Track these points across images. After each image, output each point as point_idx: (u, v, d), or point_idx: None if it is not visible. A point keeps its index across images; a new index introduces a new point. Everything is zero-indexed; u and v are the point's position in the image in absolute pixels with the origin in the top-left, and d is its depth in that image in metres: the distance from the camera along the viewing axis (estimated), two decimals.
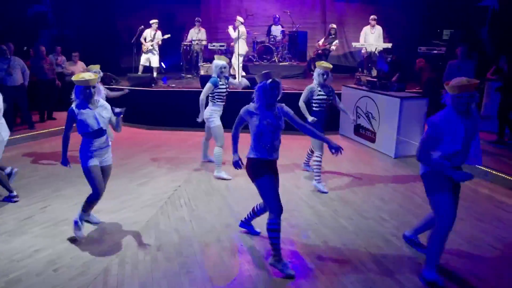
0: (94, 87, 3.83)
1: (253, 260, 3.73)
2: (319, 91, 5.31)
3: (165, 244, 3.97)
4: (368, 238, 4.13)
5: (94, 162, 3.99)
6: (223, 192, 5.32)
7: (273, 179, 3.56)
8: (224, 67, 5.64)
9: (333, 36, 11.15)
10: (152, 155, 6.92)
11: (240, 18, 10.22)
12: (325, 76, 5.30)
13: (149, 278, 3.43)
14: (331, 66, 5.41)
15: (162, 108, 9.05)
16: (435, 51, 10.43)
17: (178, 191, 5.34)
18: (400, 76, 8.23)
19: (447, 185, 3.26)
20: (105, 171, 4.16)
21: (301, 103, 5.35)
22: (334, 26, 11.26)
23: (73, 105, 3.87)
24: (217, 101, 5.72)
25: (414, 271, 3.54)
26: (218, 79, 5.63)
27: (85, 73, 3.91)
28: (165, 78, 10.10)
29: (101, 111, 3.95)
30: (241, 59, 10.20)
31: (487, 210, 4.83)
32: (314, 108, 5.36)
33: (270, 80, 3.41)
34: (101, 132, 3.95)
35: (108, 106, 4.04)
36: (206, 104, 5.81)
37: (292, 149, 7.05)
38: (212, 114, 5.74)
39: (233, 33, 10.16)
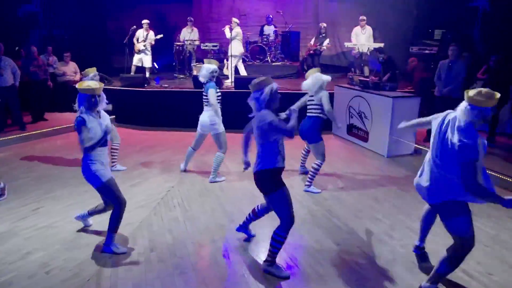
0: (99, 95, 3.71)
1: (247, 260, 3.73)
2: (311, 96, 5.30)
3: (158, 245, 3.96)
4: (362, 237, 4.15)
5: (107, 174, 3.77)
6: (217, 193, 5.31)
7: (287, 189, 3.48)
8: (216, 71, 5.51)
9: (324, 35, 11.15)
10: (145, 155, 6.90)
11: (236, 19, 10.20)
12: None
13: (142, 279, 3.42)
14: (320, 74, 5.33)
15: (155, 109, 9.02)
16: (426, 51, 10.50)
17: (171, 192, 5.33)
18: (391, 76, 8.26)
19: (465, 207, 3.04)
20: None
21: (328, 109, 5.19)
22: (325, 25, 11.25)
23: (81, 114, 3.65)
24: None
25: (408, 270, 3.56)
26: (215, 83, 5.51)
27: (90, 82, 3.80)
28: (158, 78, 10.07)
29: (102, 119, 3.79)
30: (235, 60, 10.20)
31: (478, 208, 4.86)
32: (315, 115, 5.30)
33: (273, 84, 3.37)
34: (105, 141, 3.76)
35: (105, 113, 3.89)
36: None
37: (285, 149, 7.05)
38: (215, 119, 5.51)
39: (229, 34, 10.16)
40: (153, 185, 5.57)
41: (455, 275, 3.46)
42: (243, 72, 10.34)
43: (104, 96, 3.81)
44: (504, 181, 5.54)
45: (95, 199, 4.96)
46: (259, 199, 5.06)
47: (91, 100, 3.65)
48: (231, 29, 10.03)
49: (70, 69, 9.86)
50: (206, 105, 5.56)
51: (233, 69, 10.15)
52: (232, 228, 4.30)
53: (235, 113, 6.80)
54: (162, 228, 4.33)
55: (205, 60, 5.87)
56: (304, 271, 3.55)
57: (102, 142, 3.70)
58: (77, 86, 3.71)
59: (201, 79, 5.56)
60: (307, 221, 4.51)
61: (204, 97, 5.56)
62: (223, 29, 10.46)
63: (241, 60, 10.49)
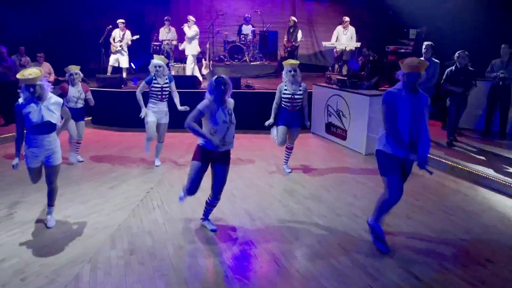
0: (37, 84, 3.89)
1: (228, 260, 3.72)
2: (285, 90, 5.56)
3: (138, 248, 3.91)
4: (341, 234, 4.20)
5: (33, 163, 4.12)
6: (196, 193, 5.26)
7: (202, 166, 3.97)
8: (160, 66, 5.92)
9: (293, 29, 11.11)
10: (123, 157, 6.80)
11: (192, 18, 10.09)
12: (292, 73, 5.49)
13: (122, 283, 3.37)
14: (297, 62, 5.62)
15: (132, 110, 8.86)
16: (402, 50, 10.72)
17: (150, 194, 5.27)
18: (378, 80, 8.33)
19: (396, 167, 3.68)
20: (48, 170, 4.18)
21: (274, 105, 5.64)
22: (294, 19, 11.20)
23: (19, 100, 3.95)
24: (150, 98, 6.04)
25: (387, 265, 3.62)
26: (153, 77, 5.94)
27: (29, 70, 3.95)
28: (135, 78, 9.92)
29: (50, 106, 3.99)
30: (192, 59, 10.13)
31: (454, 203, 5.00)
32: (282, 105, 5.65)
33: (216, 76, 3.78)
34: (45, 128, 4.00)
35: (60, 101, 4.11)
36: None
37: (264, 149, 7.08)
38: (147, 111, 6.05)
39: (189, 32, 10.03)
40: (132, 187, 5.49)
41: (436, 270, 3.55)
42: (197, 72, 10.27)
43: (46, 85, 3.99)
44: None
45: (70, 203, 4.88)
46: (239, 199, 5.08)
47: (30, 89, 3.87)
48: (188, 27, 9.95)
49: (44, 69, 9.57)
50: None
51: (195, 69, 10.11)
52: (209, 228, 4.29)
53: None
54: (142, 230, 4.27)
55: (154, 55, 6.27)
56: (285, 269, 3.57)
57: (43, 128, 3.98)
58: (17, 75, 3.93)
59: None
60: (287, 219, 4.53)
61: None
62: (182, 27, 10.34)
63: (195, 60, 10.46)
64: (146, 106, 6.06)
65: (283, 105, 5.65)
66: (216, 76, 3.82)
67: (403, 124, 3.56)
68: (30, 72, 3.87)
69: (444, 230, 4.26)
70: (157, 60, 5.98)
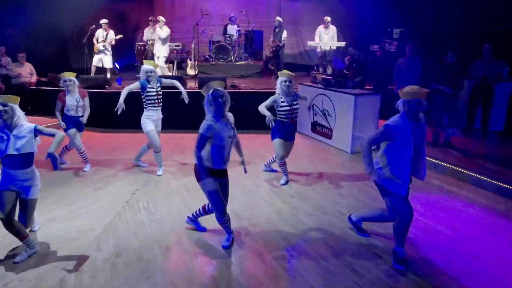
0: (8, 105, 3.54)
1: (215, 261, 3.71)
2: (282, 102, 5.29)
3: (124, 250, 3.87)
4: (328, 232, 4.23)
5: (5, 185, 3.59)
6: (183, 194, 5.26)
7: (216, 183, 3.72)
8: (151, 71, 5.60)
9: (279, 29, 11.12)
10: (108, 159, 6.72)
11: (163, 18, 9.95)
12: (287, 84, 5.24)
13: (108, 286, 3.33)
14: (293, 74, 5.37)
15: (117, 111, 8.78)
16: (386, 49, 10.81)
17: (136, 195, 5.22)
18: (362, 79, 8.42)
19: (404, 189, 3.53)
20: (23, 204, 3.69)
21: (261, 107, 5.25)
22: (279, 19, 11.18)
23: None
24: (148, 106, 5.73)
25: (372, 262, 3.67)
26: (147, 82, 5.63)
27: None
28: (119, 79, 9.83)
29: (20, 133, 3.56)
30: (161, 61, 10.04)
31: (438, 200, 5.08)
32: (278, 118, 5.38)
33: (212, 90, 3.58)
34: (18, 160, 3.55)
35: (31, 127, 3.62)
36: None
37: (251, 148, 7.08)
38: (144, 120, 5.75)
39: (162, 33, 9.80)
40: (117, 188, 5.44)
41: (421, 266, 3.61)
42: (166, 73, 10.17)
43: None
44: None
45: (55, 205, 4.81)
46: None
47: None
48: (154, 28, 9.79)
49: (26, 70, 9.46)
50: (144, 106, 5.84)
51: (163, 70, 9.99)
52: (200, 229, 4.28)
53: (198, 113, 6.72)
54: (128, 232, 4.23)
55: (144, 61, 6.03)
56: (272, 268, 3.58)
57: (9, 160, 3.55)
58: None
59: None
60: (274, 219, 4.54)
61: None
62: (149, 28, 10.17)
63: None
64: (142, 115, 5.81)
65: (280, 119, 5.36)
66: (212, 90, 3.60)
67: (406, 157, 3.41)
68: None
69: (428, 226, 4.32)
70: (148, 65, 5.67)
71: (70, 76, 5.81)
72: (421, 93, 3.39)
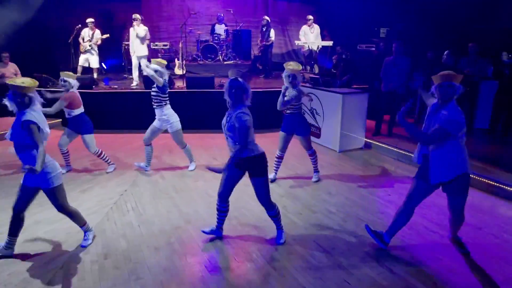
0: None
1: (204, 260, 3.70)
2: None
3: (113, 252, 3.84)
4: (317, 231, 4.25)
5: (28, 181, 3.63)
6: (171, 194, 5.23)
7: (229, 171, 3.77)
8: (155, 71, 5.53)
9: (266, 28, 11.11)
10: (95, 160, 6.63)
11: (139, 16, 9.75)
12: (290, 79, 5.08)
13: None
14: (300, 68, 5.15)
15: (104, 111, 8.69)
16: (373, 48, 10.91)
17: (124, 196, 5.18)
18: (350, 78, 8.45)
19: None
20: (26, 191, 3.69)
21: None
22: (267, 18, 11.14)
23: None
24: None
25: (362, 259, 3.69)
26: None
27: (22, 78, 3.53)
28: (106, 79, 9.72)
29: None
30: (143, 62, 9.84)
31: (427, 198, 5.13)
32: (287, 111, 5.36)
33: (232, 78, 3.53)
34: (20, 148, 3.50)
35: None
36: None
37: None
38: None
39: (141, 31, 9.53)
40: (105, 189, 5.38)
41: (409, 263, 3.64)
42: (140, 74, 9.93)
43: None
44: None
45: (41, 208, 4.73)
46: (214, 199, 5.02)
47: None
48: (138, 26, 9.59)
49: (10, 70, 9.30)
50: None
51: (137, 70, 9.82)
52: (188, 229, 4.26)
53: (185, 113, 6.72)
54: (116, 233, 4.19)
55: (152, 59, 5.88)
56: (262, 268, 3.58)
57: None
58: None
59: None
60: (263, 218, 4.53)
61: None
62: (131, 28, 9.96)
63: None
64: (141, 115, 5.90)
65: (289, 111, 5.35)
66: (232, 78, 3.54)
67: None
68: (23, 80, 3.43)
69: (416, 223, 4.36)
70: (154, 64, 5.59)
71: (66, 76, 5.70)
72: (452, 76, 3.38)
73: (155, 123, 5.79)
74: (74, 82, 5.74)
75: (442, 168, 3.45)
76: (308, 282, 3.36)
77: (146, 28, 9.70)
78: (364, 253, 3.80)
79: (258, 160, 3.70)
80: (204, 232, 4.02)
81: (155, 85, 5.63)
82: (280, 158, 5.61)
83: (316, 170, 5.75)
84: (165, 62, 5.78)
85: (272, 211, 3.91)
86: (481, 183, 5.39)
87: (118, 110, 8.63)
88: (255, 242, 4.02)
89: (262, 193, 3.80)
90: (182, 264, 3.65)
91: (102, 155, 5.96)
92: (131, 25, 10.58)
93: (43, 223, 4.35)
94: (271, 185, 5.49)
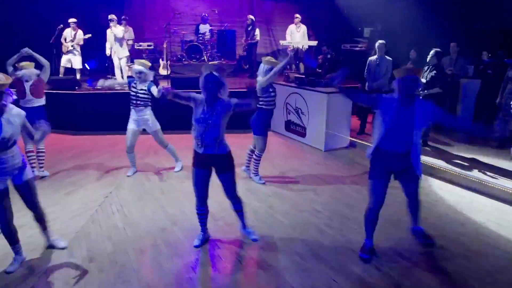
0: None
1: (191, 262, 3.68)
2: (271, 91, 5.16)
3: (98, 255, 3.79)
4: (304, 230, 4.26)
5: None
6: (157, 196, 5.19)
7: (198, 172, 3.72)
8: (140, 72, 5.51)
9: (251, 27, 11.08)
10: (79, 161, 6.55)
11: (114, 16, 9.51)
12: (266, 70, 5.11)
13: None
14: (277, 62, 5.13)
15: (88, 112, 8.58)
16: (357, 48, 11.02)
17: (109, 198, 5.12)
18: (337, 76, 8.48)
19: (378, 172, 3.58)
20: (22, 190, 3.60)
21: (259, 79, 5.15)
22: (251, 17, 11.13)
23: None
24: (130, 103, 5.73)
25: (348, 258, 3.72)
26: (134, 81, 5.64)
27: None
28: (90, 80, 9.59)
29: (11, 118, 3.39)
30: (123, 62, 9.74)
31: None
32: (263, 107, 5.21)
33: (207, 73, 3.53)
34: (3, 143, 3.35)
35: (22, 114, 3.50)
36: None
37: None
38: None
39: (119, 32, 9.43)
40: (90, 192, 5.31)
41: (393, 258, 3.68)
42: (125, 75, 9.88)
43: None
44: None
45: (24, 212, 4.63)
46: None
47: None
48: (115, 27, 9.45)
49: None
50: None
51: (125, 71, 9.73)
52: (175, 230, 4.24)
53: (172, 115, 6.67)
54: (101, 236, 4.14)
55: (135, 60, 5.88)
56: (248, 268, 3.58)
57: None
58: None
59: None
60: (250, 218, 4.53)
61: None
62: (108, 30, 9.83)
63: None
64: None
65: (266, 107, 5.21)
66: (207, 73, 3.54)
67: (383, 131, 3.44)
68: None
69: (400, 221, 4.42)
70: (137, 65, 5.55)
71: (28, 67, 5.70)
72: (415, 70, 3.44)
73: (133, 126, 5.71)
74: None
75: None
76: (296, 281, 3.38)
77: (123, 28, 9.59)
78: (350, 251, 3.83)
79: (227, 156, 3.74)
80: (197, 246, 3.90)
81: (143, 89, 5.58)
82: (252, 151, 5.65)
83: (248, 167, 5.77)
84: (149, 64, 5.76)
85: (239, 204, 3.96)
86: (464, 180, 5.49)
87: (102, 112, 8.52)
88: (242, 243, 4.01)
89: (231, 187, 3.83)
90: (169, 266, 3.62)
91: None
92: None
93: (26, 228, 4.25)
94: (257, 185, 5.52)
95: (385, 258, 3.71)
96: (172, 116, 6.92)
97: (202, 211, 3.89)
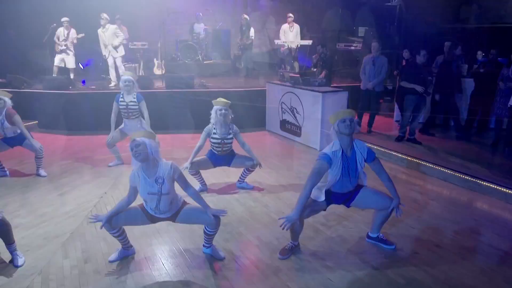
0: None
1: (186, 262, 3.67)
2: (214, 133, 4.89)
3: (93, 256, 3.77)
4: None
5: None
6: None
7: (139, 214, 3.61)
8: (128, 81, 5.59)
9: (245, 27, 11.05)
10: (73, 162, 6.51)
11: (106, 15, 9.36)
12: (223, 111, 4.74)
13: None
14: (229, 102, 4.85)
15: (82, 112, 8.53)
16: (352, 47, 11.05)
17: (104, 198, 5.09)
18: (327, 74, 8.52)
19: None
20: None
21: (196, 148, 4.97)
22: (246, 16, 11.09)
23: None
24: (122, 115, 5.84)
25: (343, 256, 3.73)
26: (121, 94, 5.80)
27: None
28: (84, 80, 9.53)
29: None
30: (119, 61, 9.58)
31: (405, 193, 5.22)
32: (210, 147, 5.08)
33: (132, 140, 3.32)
34: None
35: None
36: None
37: None
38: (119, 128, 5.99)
39: (103, 34, 9.34)
40: (84, 192, 5.28)
41: (389, 256, 3.70)
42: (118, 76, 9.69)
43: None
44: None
45: (17, 213, 4.62)
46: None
47: None
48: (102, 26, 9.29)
49: None
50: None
51: (121, 70, 9.62)
52: (170, 230, 4.22)
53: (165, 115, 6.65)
54: (96, 237, 4.12)
55: (124, 72, 5.95)
56: (245, 267, 3.58)
57: None
58: None
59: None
60: (245, 218, 4.54)
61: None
62: (99, 29, 9.70)
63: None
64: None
65: (211, 148, 5.05)
66: (132, 139, 3.29)
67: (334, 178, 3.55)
68: None
69: (395, 220, 4.43)
70: (126, 75, 5.78)
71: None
72: (350, 112, 3.52)
73: (125, 130, 5.90)
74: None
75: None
76: (291, 281, 3.38)
77: (115, 26, 9.51)
78: (346, 250, 3.84)
79: (182, 207, 3.59)
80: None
81: (133, 100, 5.74)
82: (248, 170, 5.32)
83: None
84: (136, 76, 6.00)
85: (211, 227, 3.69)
86: (459, 179, 5.52)
87: (96, 111, 8.47)
88: (237, 242, 4.01)
89: (196, 217, 3.59)
90: (164, 266, 3.61)
91: None
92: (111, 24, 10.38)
93: (20, 228, 4.23)
94: (252, 184, 5.50)
95: (380, 256, 3.73)
96: (164, 117, 6.91)
97: (114, 233, 3.58)
